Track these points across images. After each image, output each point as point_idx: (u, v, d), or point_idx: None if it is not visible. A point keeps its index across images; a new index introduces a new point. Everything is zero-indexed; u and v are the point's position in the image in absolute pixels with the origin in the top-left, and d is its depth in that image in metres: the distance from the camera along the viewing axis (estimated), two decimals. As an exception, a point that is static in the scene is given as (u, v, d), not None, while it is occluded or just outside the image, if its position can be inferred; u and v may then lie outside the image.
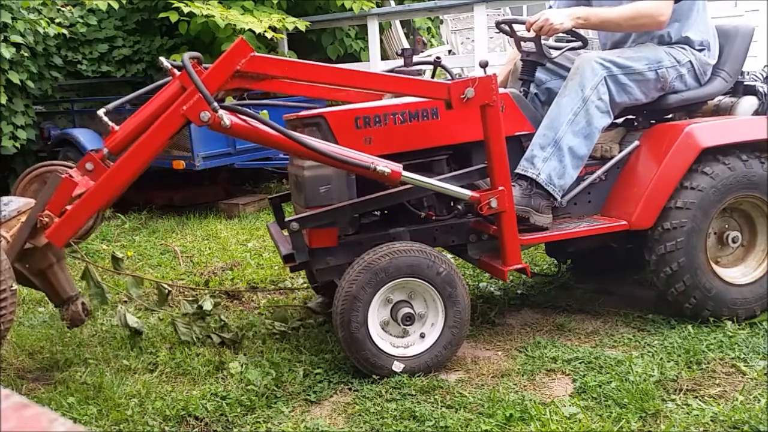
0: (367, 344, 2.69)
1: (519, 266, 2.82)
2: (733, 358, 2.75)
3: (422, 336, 2.78)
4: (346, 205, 2.80)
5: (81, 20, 7.28)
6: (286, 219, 2.83)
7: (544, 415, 2.37)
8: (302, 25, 7.43)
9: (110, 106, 2.77)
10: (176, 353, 3.08)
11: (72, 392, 2.77)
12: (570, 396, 2.55)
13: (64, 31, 6.73)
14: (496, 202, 2.72)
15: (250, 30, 6.59)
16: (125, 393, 2.72)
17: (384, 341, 2.75)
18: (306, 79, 2.69)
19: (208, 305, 3.43)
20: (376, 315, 2.72)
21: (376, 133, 2.84)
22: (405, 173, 2.62)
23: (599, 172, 3.11)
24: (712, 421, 2.30)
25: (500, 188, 2.72)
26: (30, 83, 6.35)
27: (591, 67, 2.97)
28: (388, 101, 3.02)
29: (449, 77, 3.16)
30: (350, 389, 2.71)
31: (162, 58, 2.75)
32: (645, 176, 3.03)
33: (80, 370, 2.98)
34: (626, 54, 3.07)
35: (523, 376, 2.74)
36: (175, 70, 2.69)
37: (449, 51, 11.08)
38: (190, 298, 3.56)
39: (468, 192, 2.75)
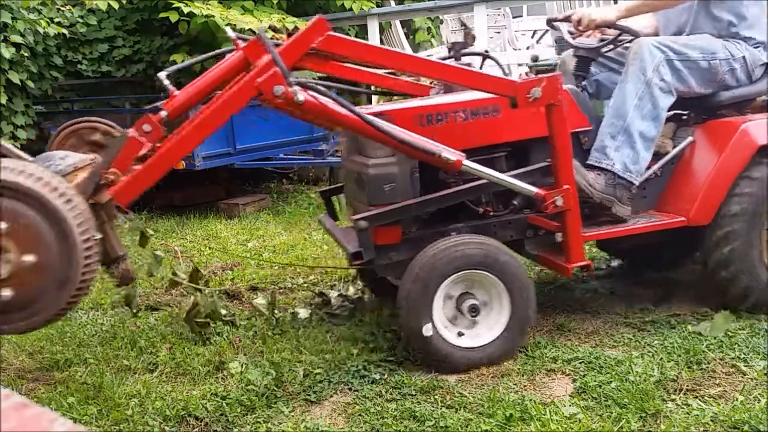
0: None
1: (583, 263, 2.84)
2: (733, 358, 2.75)
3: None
4: (413, 203, 2.82)
5: (81, 20, 7.27)
6: (354, 217, 2.84)
7: (544, 415, 2.38)
8: (302, 25, 7.40)
9: (171, 69, 2.89)
10: (176, 353, 3.08)
11: (72, 392, 2.77)
12: (570, 396, 2.55)
13: (64, 31, 6.72)
14: (562, 201, 2.73)
15: (250, 30, 6.59)
16: (125, 393, 2.72)
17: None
18: (378, 63, 2.73)
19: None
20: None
21: (438, 131, 2.86)
22: (466, 162, 2.65)
23: (655, 167, 3.14)
24: (712, 421, 2.30)
25: (566, 186, 2.74)
26: (30, 83, 6.35)
27: (649, 50, 3.01)
28: (439, 98, 3.05)
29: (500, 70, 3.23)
30: (350, 389, 2.71)
31: (228, 28, 2.82)
32: (701, 173, 3.06)
33: (80, 370, 2.99)
34: (681, 41, 3.12)
35: (523, 376, 2.73)
36: (239, 42, 2.75)
37: (449, 51, 11.08)
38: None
39: (533, 189, 2.77)
